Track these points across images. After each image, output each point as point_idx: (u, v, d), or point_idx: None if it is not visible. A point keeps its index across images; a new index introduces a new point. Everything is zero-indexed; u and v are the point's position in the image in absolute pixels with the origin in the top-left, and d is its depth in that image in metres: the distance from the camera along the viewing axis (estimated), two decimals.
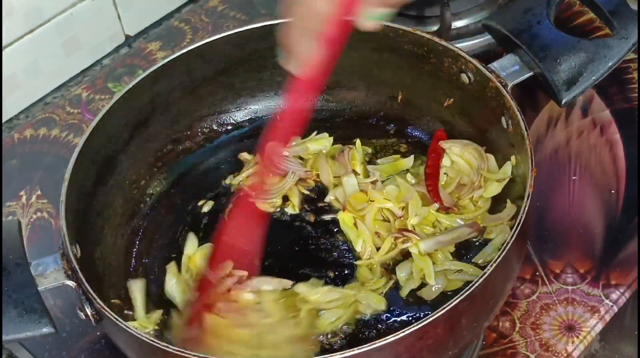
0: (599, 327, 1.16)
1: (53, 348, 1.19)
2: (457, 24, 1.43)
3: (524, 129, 1.06)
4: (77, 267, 1.01)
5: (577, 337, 1.15)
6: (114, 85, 1.53)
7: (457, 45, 1.37)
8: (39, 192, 1.38)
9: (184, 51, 1.23)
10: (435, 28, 1.43)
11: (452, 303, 0.92)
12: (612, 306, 1.17)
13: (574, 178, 1.30)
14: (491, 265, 0.94)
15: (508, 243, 0.97)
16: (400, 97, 1.28)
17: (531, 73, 1.14)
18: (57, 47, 1.51)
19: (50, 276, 1.02)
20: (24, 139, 1.47)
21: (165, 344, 0.95)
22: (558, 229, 1.25)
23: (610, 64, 1.12)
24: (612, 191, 1.28)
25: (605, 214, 1.26)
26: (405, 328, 0.90)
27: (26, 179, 1.40)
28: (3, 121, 1.50)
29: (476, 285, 0.93)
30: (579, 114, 1.37)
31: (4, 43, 1.43)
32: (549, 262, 1.22)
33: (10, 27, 1.42)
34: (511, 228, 1.01)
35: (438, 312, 0.91)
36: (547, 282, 1.20)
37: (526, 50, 1.13)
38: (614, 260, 1.21)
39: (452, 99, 1.23)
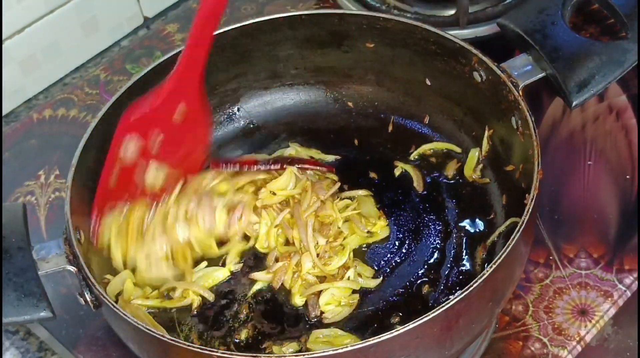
0: (612, 311, 1.17)
1: (70, 326, 1.20)
2: (474, 7, 1.42)
3: (533, 130, 1.06)
4: (78, 252, 1.02)
5: (590, 321, 1.15)
6: (132, 66, 1.53)
7: (474, 29, 1.39)
8: (58, 172, 1.39)
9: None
10: (451, 12, 1.42)
11: (449, 303, 0.91)
12: (625, 291, 1.18)
13: (589, 163, 1.30)
14: (490, 267, 0.94)
15: (509, 245, 0.96)
16: (412, 94, 1.29)
17: (543, 74, 1.13)
18: (77, 28, 1.52)
19: (52, 261, 1.03)
20: (43, 119, 1.48)
21: (161, 333, 0.96)
22: (572, 214, 1.25)
23: (623, 67, 1.12)
24: (627, 177, 1.28)
25: (620, 200, 1.26)
26: (401, 327, 0.90)
27: (45, 159, 1.42)
28: (22, 100, 1.52)
29: (475, 285, 0.93)
30: (595, 98, 1.37)
31: (24, 24, 1.44)
32: (563, 246, 1.22)
33: (31, 7, 1.43)
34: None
35: (434, 312, 0.91)
36: (560, 266, 1.21)
37: (539, 50, 1.12)
38: (628, 245, 1.22)
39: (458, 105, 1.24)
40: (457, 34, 1.35)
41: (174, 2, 1.65)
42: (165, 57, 1.21)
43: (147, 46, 1.57)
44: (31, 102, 1.52)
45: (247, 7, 1.61)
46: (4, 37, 1.42)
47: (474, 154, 1.21)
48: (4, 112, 1.50)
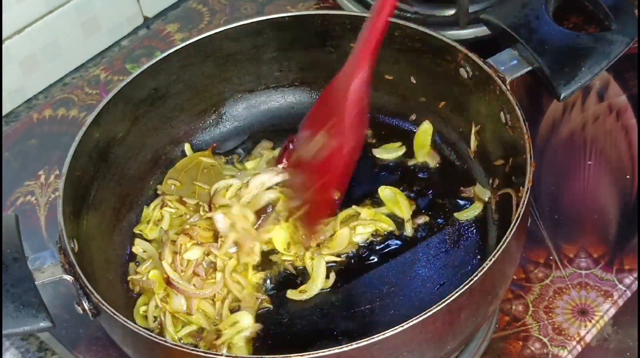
0: (612, 311, 1.17)
1: (70, 326, 1.20)
2: (474, 7, 1.42)
3: (523, 123, 1.06)
4: (74, 261, 1.01)
5: (590, 321, 1.15)
6: (132, 66, 1.53)
7: (474, 29, 1.39)
8: (57, 172, 1.39)
9: (181, 45, 1.24)
10: (451, 12, 1.42)
11: (451, 297, 0.92)
12: (625, 291, 1.18)
13: (589, 163, 1.30)
14: (490, 260, 0.95)
15: (507, 237, 0.96)
16: (397, 92, 1.29)
17: (530, 68, 1.13)
18: (77, 28, 1.52)
19: (48, 270, 1.02)
20: (43, 119, 1.48)
21: (164, 339, 0.95)
22: (572, 213, 1.25)
23: (609, 58, 1.12)
24: (627, 177, 1.28)
25: (620, 200, 1.26)
26: (404, 323, 0.90)
27: (45, 159, 1.42)
28: (22, 100, 1.52)
29: (475, 279, 0.93)
30: (595, 98, 1.37)
31: (24, 24, 1.44)
32: (563, 246, 1.22)
33: (31, 7, 1.43)
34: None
35: (437, 306, 0.91)
36: (560, 266, 1.21)
37: (525, 44, 1.13)
38: (628, 245, 1.22)
39: (445, 102, 1.24)
40: (457, 34, 1.36)
41: (174, 2, 1.65)
42: (160, 57, 1.22)
43: (147, 46, 1.57)
44: (31, 102, 1.52)
45: (247, 7, 1.61)
46: (4, 37, 1.42)
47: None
48: (4, 112, 1.50)
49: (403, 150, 1.26)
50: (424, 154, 1.25)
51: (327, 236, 1.16)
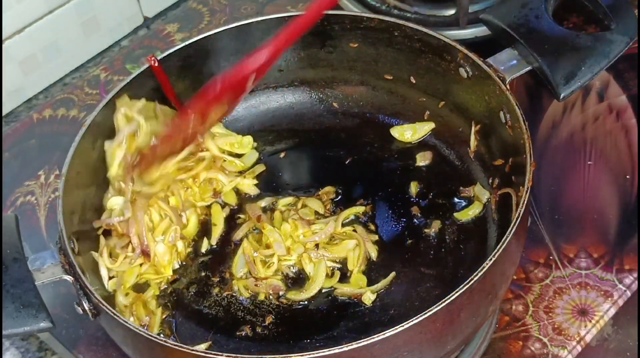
0: (612, 311, 1.17)
1: (70, 326, 1.20)
2: (474, 7, 1.42)
3: (523, 123, 1.06)
4: (74, 262, 1.01)
5: (590, 321, 1.15)
6: (131, 66, 1.53)
7: (474, 29, 1.39)
8: (57, 172, 1.39)
9: (181, 45, 1.24)
10: (451, 12, 1.42)
11: (451, 297, 0.92)
12: (625, 291, 1.18)
13: (589, 163, 1.30)
14: (490, 260, 0.95)
15: (507, 237, 0.97)
16: (398, 92, 1.29)
17: (530, 67, 1.13)
18: (77, 28, 1.52)
19: (48, 271, 1.03)
20: (43, 119, 1.48)
21: (164, 339, 0.95)
22: (572, 214, 1.25)
23: (609, 58, 1.12)
24: (627, 177, 1.28)
25: (620, 200, 1.26)
26: (405, 323, 0.90)
27: (45, 159, 1.42)
28: (22, 100, 1.52)
29: (475, 278, 0.93)
30: (595, 98, 1.37)
31: (24, 24, 1.44)
32: (563, 246, 1.22)
33: (31, 7, 1.43)
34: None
35: (437, 306, 0.92)
36: (560, 266, 1.21)
37: (524, 44, 1.13)
38: (628, 245, 1.22)
39: (444, 102, 1.24)
40: (457, 34, 1.36)
41: (174, 2, 1.65)
42: (160, 57, 1.22)
43: (147, 45, 1.57)
44: (31, 102, 1.52)
45: (247, 7, 1.61)
46: (4, 37, 1.42)
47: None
48: (4, 112, 1.50)
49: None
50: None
51: (327, 237, 1.16)
